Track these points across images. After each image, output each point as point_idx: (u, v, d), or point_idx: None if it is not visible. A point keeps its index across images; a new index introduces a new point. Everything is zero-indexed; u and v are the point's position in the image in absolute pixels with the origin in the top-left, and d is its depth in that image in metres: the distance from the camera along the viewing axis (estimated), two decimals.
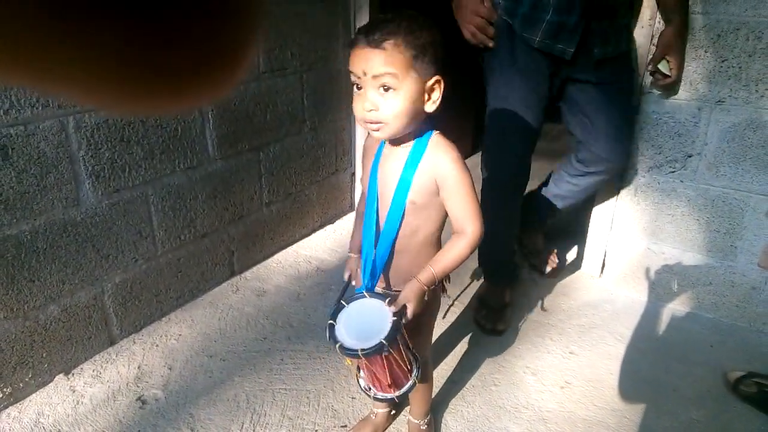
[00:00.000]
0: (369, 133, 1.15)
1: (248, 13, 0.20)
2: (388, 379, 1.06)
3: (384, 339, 0.98)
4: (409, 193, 1.07)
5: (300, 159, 2.44)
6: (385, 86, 0.99)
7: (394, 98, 0.99)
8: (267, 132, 2.22)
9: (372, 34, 0.97)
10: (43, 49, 0.17)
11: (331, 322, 1.04)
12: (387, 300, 1.05)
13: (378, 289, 1.17)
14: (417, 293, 1.05)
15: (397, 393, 1.09)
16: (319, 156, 2.55)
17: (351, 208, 2.86)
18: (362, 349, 0.98)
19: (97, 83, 0.18)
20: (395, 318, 1.01)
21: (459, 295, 1.98)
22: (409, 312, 1.03)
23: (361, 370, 1.09)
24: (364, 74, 0.98)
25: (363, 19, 2.49)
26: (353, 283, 1.26)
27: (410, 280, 1.10)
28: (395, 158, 1.10)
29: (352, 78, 1.01)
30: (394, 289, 1.17)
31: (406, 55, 0.97)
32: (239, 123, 2.08)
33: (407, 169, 1.08)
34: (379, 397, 1.10)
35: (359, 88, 1.01)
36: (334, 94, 2.54)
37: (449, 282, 1.26)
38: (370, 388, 1.11)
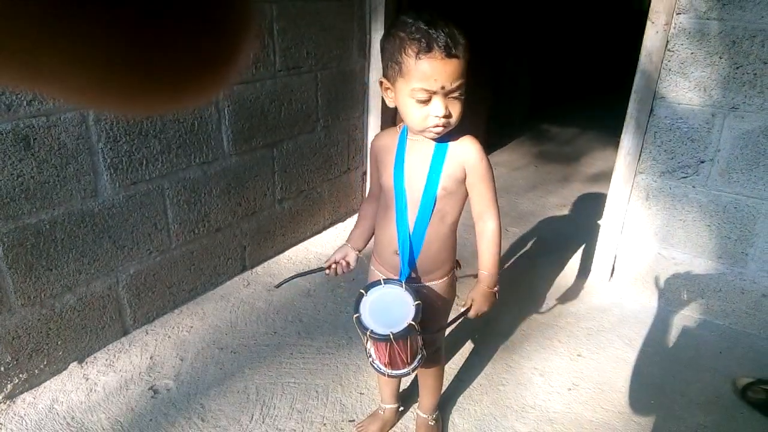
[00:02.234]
0: (379, 133, 1.20)
1: (239, 16, 0.21)
2: (386, 359, 1.14)
3: (393, 334, 1.07)
4: (440, 180, 1.12)
5: (312, 157, 2.47)
6: (456, 95, 1.02)
7: (459, 102, 1.04)
8: (281, 129, 2.24)
9: (447, 43, 0.97)
10: (36, 50, 0.17)
11: (362, 291, 1.14)
12: (416, 303, 1.12)
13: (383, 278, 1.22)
14: (489, 298, 1.20)
15: (390, 372, 1.17)
16: (331, 154, 2.57)
17: None
18: (372, 331, 1.07)
19: (87, 83, 0.19)
20: (411, 322, 1.08)
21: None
22: (484, 312, 1.20)
23: (375, 353, 1.15)
24: (442, 88, 0.99)
25: (378, 20, 2.51)
26: (343, 271, 1.30)
27: (438, 268, 1.22)
28: (421, 151, 1.14)
29: (421, 92, 1.00)
30: (424, 278, 1.23)
31: (466, 60, 1.01)
32: (254, 120, 2.10)
33: (436, 158, 1.12)
34: (375, 366, 1.18)
35: (426, 98, 1.01)
36: (348, 94, 2.56)
37: (460, 268, 1.31)
38: (373, 356, 1.17)
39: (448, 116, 1.03)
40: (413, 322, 1.08)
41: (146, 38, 0.18)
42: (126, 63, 0.18)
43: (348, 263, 1.29)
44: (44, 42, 0.17)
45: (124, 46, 0.18)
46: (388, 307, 1.13)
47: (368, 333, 1.07)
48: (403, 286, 1.15)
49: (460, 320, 1.21)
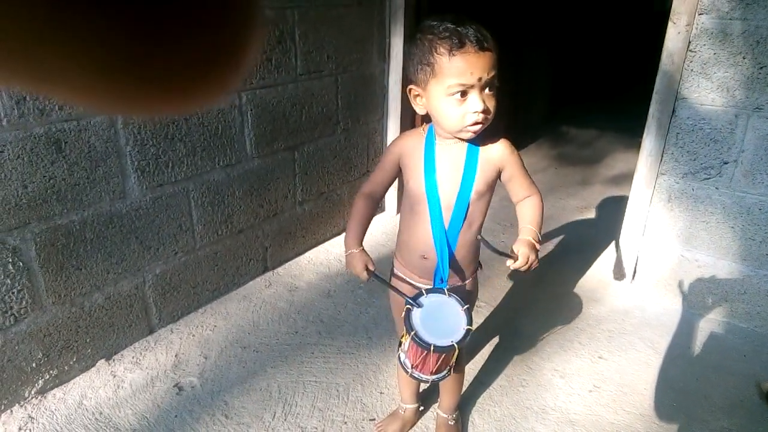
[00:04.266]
0: (404, 133, 1.20)
1: (244, 17, 0.20)
2: (435, 368, 1.12)
3: (456, 342, 1.07)
4: (474, 184, 1.12)
5: (333, 159, 2.49)
6: (492, 86, 1.03)
7: (494, 97, 1.05)
8: (302, 132, 2.28)
9: (478, 37, 0.98)
10: (38, 50, 0.17)
11: (409, 307, 1.11)
12: (465, 307, 1.11)
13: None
14: (533, 248, 1.12)
15: (434, 378, 1.16)
16: (351, 157, 2.60)
17: (381, 209, 2.90)
18: (435, 346, 1.06)
19: (92, 85, 0.18)
20: (469, 327, 1.09)
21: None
22: (532, 264, 1.11)
23: (409, 350, 1.14)
24: (479, 80, 1.00)
25: (398, 24, 2.53)
26: (367, 275, 1.17)
27: (464, 271, 1.22)
28: (453, 155, 1.14)
29: (458, 87, 1.00)
30: (450, 280, 1.21)
31: (496, 53, 1.02)
32: (276, 123, 2.14)
33: (469, 162, 1.12)
34: (416, 376, 1.17)
35: (463, 94, 1.01)
36: (368, 97, 2.58)
37: (481, 269, 1.31)
38: (410, 367, 1.16)
39: (486, 111, 1.03)
40: (469, 327, 1.09)
41: (150, 36, 0.18)
42: (129, 62, 0.18)
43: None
44: (45, 42, 0.16)
45: (128, 45, 0.17)
46: (439, 316, 1.12)
47: (431, 348, 1.05)
48: (446, 292, 1.14)
49: (501, 256, 1.12)
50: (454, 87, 1.00)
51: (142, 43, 0.18)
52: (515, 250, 1.09)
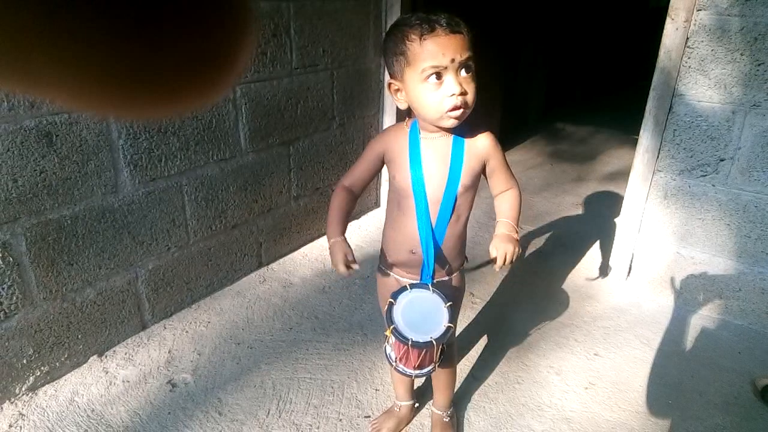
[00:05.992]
0: (387, 128, 1.20)
1: (240, 17, 0.20)
2: (417, 362, 1.12)
3: (435, 339, 1.07)
4: (461, 178, 1.12)
5: (328, 154, 2.48)
6: (468, 68, 1.02)
7: (473, 80, 1.04)
8: (297, 127, 2.26)
9: (449, 21, 0.99)
10: (34, 55, 0.16)
11: (392, 301, 1.11)
12: (448, 304, 1.11)
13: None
14: (510, 242, 1.12)
15: (417, 372, 1.16)
16: (346, 152, 2.58)
17: (376, 204, 2.89)
18: (413, 341, 1.06)
19: (89, 89, 0.18)
20: (449, 324, 1.09)
21: None
22: (514, 255, 1.11)
23: (395, 343, 1.13)
24: (452, 61, 0.99)
25: (393, 18, 2.51)
26: (347, 268, 1.14)
27: (451, 264, 1.21)
28: (438, 149, 1.13)
29: (431, 69, 1.00)
30: (438, 274, 1.21)
31: (470, 38, 1.02)
32: (271, 117, 2.12)
33: (455, 156, 1.12)
34: (400, 370, 1.17)
35: (438, 78, 1.01)
36: (363, 92, 2.56)
37: (468, 261, 1.30)
38: (395, 360, 1.15)
39: (463, 93, 1.01)
40: (450, 324, 1.08)
41: (148, 38, 0.18)
42: (125, 66, 0.18)
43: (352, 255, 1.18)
44: (40, 45, 0.16)
45: (123, 49, 0.17)
46: (421, 312, 1.11)
47: (409, 342, 1.06)
48: (431, 288, 1.14)
49: (485, 266, 1.18)
50: (428, 70, 1.00)
51: (139, 45, 0.17)
52: (491, 251, 1.11)
